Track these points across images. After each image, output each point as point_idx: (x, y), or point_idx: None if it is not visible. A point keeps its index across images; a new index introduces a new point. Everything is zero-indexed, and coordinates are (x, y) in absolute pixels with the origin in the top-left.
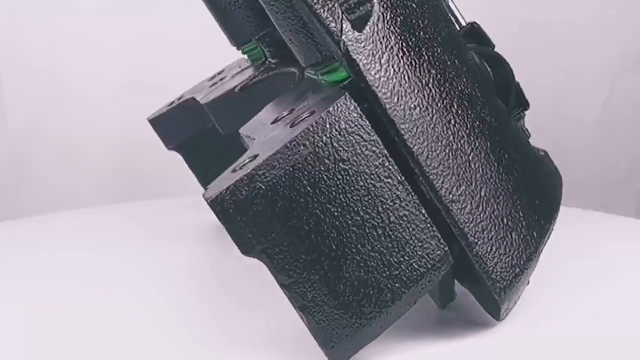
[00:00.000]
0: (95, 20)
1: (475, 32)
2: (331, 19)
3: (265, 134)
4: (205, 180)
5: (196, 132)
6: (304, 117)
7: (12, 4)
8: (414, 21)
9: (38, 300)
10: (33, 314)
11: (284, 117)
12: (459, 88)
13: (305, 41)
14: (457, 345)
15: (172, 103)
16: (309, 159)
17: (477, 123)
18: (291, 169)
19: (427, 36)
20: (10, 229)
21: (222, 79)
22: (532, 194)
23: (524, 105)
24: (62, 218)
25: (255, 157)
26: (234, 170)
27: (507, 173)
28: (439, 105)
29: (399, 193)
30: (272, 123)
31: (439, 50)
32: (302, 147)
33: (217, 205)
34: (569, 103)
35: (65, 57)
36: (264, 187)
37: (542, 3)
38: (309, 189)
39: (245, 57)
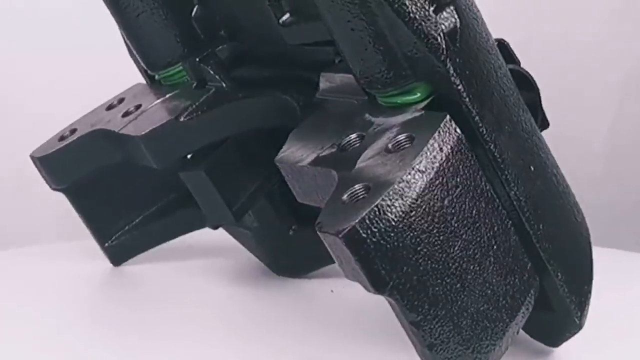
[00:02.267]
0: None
1: (503, 49)
2: (434, 34)
3: (346, 162)
4: (97, 223)
5: (95, 169)
6: (401, 142)
7: None
8: (481, 35)
9: None
10: None
11: (352, 144)
12: (519, 103)
13: (382, 60)
14: None
15: (63, 137)
16: (430, 186)
17: (537, 140)
18: (415, 198)
19: (492, 50)
20: None
21: (137, 107)
22: (575, 212)
23: (545, 124)
24: None
25: (368, 187)
26: (344, 202)
27: (561, 192)
28: (515, 120)
29: (498, 221)
30: (341, 151)
31: (501, 63)
32: (422, 174)
33: (350, 239)
34: (573, 127)
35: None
36: (394, 218)
37: (546, 25)
38: (430, 217)
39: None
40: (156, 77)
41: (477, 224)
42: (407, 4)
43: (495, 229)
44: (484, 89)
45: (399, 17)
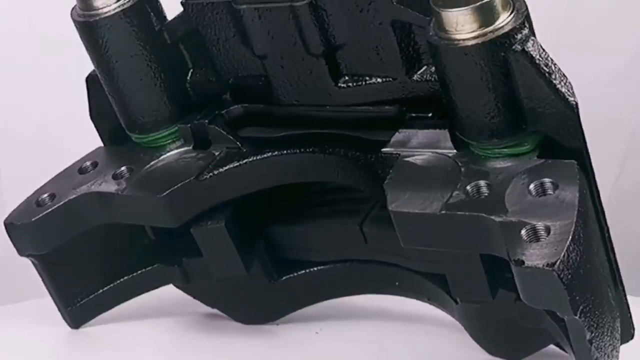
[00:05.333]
0: None
1: None
2: (570, 91)
3: (492, 206)
4: (62, 287)
5: (79, 233)
6: (545, 186)
7: None
8: None
9: None
10: None
11: (481, 191)
12: None
13: (510, 116)
14: None
15: (41, 203)
16: (586, 223)
17: None
18: (583, 234)
19: None
20: None
21: (129, 169)
22: None
23: None
24: None
25: (547, 227)
26: (527, 241)
27: None
28: None
29: (603, 250)
30: (471, 197)
31: None
32: (582, 214)
33: (560, 271)
34: None
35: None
36: (578, 252)
37: None
38: (589, 249)
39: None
40: (133, 138)
41: (600, 254)
42: (549, 62)
43: (604, 256)
44: None
45: (540, 78)
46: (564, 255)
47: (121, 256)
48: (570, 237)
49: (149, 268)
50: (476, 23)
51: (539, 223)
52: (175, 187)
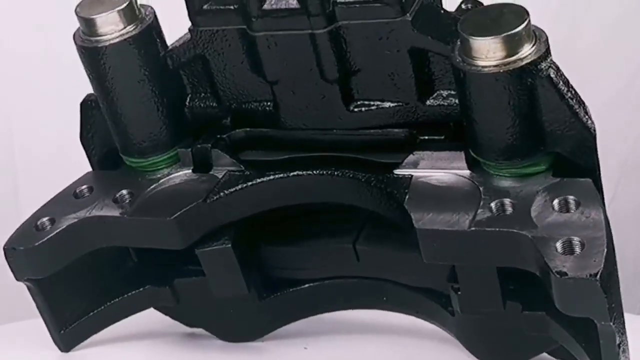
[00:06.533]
0: None
1: None
2: (588, 114)
3: (521, 222)
4: (55, 311)
5: (75, 258)
6: (569, 203)
7: None
8: None
9: None
10: None
11: (506, 208)
12: None
13: (531, 137)
14: None
15: (40, 227)
16: (609, 235)
17: None
18: (612, 245)
19: None
20: None
21: (130, 193)
22: None
23: None
24: None
25: (582, 241)
26: (562, 253)
27: None
28: None
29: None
30: (497, 214)
31: None
32: (607, 227)
33: (602, 280)
34: None
35: None
36: (611, 263)
37: None
38: (614, 258)
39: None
40: (129, 162)
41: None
42: (569, 88)
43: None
44: None
45: (563, 102)
46: (603, 266)
47: (110, 278)
48: (606, 249)
49: (140, 289)
50: (504, 51)
51: (574, 236)
52: (185, 209)
